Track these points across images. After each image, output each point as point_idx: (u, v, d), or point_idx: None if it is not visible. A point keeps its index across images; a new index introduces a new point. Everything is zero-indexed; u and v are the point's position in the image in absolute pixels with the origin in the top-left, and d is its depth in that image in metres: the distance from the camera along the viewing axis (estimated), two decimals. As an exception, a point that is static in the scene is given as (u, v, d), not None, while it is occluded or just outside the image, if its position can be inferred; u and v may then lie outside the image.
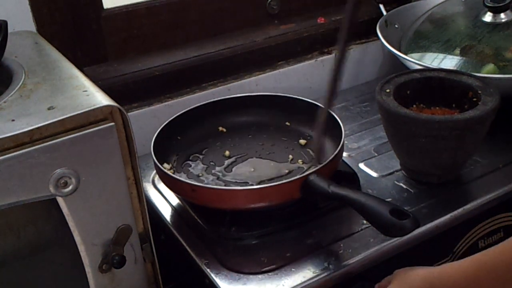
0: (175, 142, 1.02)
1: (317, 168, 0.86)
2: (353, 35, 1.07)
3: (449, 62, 1.12)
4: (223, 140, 1.05)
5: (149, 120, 1.13)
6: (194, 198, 0.88)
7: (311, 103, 1.04)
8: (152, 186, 1.01)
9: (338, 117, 0.91)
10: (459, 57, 1.12)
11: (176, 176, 0.91)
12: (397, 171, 0.99)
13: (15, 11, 0.97)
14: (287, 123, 1.08)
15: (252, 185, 0.93)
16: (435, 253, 0.90)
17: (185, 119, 1.03)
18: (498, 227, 0.95)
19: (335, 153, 0.89)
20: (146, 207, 0.75)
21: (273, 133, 1.06)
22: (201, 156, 1.02)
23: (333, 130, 0.95)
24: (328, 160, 0.88)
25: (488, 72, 1.07)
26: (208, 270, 0.82)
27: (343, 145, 0.92)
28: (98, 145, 0.66)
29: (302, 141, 1.03)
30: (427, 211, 0.89)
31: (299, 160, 0.99)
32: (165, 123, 1.00)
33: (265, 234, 0.87)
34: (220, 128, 1.07)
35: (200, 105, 1.06)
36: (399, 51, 1.15)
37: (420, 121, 0.87)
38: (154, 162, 0.91)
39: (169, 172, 0.90)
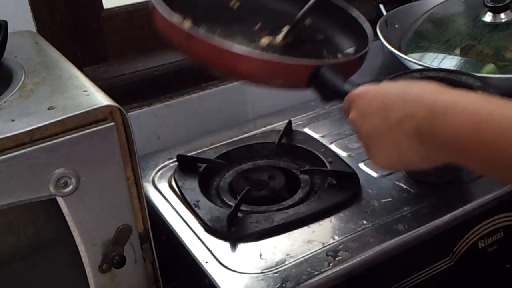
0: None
1: (336, 61, 0.78)
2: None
3: (449, 62, 1.12)
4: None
5: (149, 120, 1.13)
6: (189, 51, 0.78)
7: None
8: (152, 186, 1.01)
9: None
10: (459, 57, 1.12)
11: (174, 19, 0.77)
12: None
13: (15, 11, 0.97)
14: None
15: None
16: (435, 253, 0.90)
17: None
18: (498, 227, 0.94)
19: (358, 55, 0.81)
20: (146, 207, 0.75)
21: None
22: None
23: (361, 39, 0.87)
24: (348, 59, 0.80)
25: (488, 72, 1.07)
26: (208, 270, 0.82)
27: (366, 52, 0.83)
28: (98, 145, 0.66)
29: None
30: (427, 211, 0.89)
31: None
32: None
33: (265, 234, 0.87)
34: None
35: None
36: (399, 51, 1.15)
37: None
38: (158, 4, 0.78)
39: (169, 14, 0.77)
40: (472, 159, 0.58)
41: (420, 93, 0.62)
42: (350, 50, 0.89)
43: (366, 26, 0.88)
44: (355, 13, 0.91)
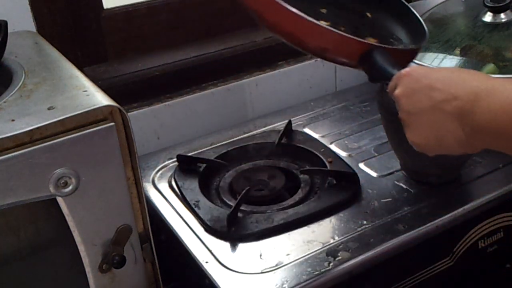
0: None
1: (390, 47, 0.81)
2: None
3: (449, 62, 1.12)
4: None
5: (149, 120, 1.13)
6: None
7: None
8: (152, 186, 1.01)
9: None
10: (459, 57, 1.12)
11: None
12: (397, 171, 0.99)
13: (15, 11, 0.97)
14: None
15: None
16: (435, 253, 0.90)
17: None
18: (498, 227, 0.94)
19: (414, 46, 0.85)
20: (146, 207, 0.75)
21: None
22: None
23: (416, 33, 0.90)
24: (403, 48, 0.83)
25: (488, 72, 1.07)
26: (208, 270, 0.82)
27: (420, 47, 0.86)
28: (98, 145, 0.66)
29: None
30: (427, 211, 0.89)
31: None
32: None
33: (265, 234, 0.87)
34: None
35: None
36: (399, 51, 1.15)
37: (420, 121, 0.87)
38: None
39: None
40: (507, 143, 0.60)
41: (467, 77, 0.65)
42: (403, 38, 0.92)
43: (424, 24, 0.91)
44: (415, 13, 0.94)
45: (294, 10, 0.78)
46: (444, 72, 0.68)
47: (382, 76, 0.77)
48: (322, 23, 0.82)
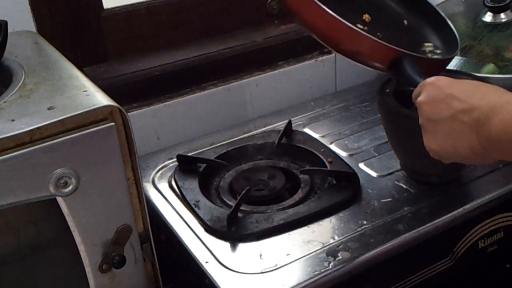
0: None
1: (421, 56, 0.85)
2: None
3: (449, 62, 1.12)
4: None
5: (149, 120, 1.13)
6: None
7: None
8: (152, 186, 1.01)
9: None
10: (459, 57, 1.12)
11: None
12: (397, 171, 0.99)
13: (15, 11, 0.97)
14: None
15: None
16: (435, 253, 0.90)
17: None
18: (498, 227, 0.95)
19: (442, 57, 0.88)
20: (146, 207, 0.75)
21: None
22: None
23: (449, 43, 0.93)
24: (434, 58, 0.86)
25: (488, 72, 1.07)
26: (208, 270, 0.82)
27: (451, 58, 0.90)
28: (98, 145, 0.66)
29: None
30: (427, 211, 0.89)
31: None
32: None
33: (265, 234, 0.87)
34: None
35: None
36: (399, 51, 1.15)
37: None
38: None
39: None
40: None
41: (486, 91, 0.68)
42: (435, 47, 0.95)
43: (458, 36, 0.94)
44: (449, 22, 0.97)
45: (331, 12, 0.81)
46: (466, 85, 0.70)
47: (409, 82, 0.80)
48: (359, 27, 0.85)
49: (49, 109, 0.66)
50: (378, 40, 0.83)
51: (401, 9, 1.00)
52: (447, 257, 0.91)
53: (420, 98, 0.73)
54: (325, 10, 0.81)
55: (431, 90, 0.72)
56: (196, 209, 0.92)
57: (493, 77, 1.01)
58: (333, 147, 1.08)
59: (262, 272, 0.80)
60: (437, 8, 0.99)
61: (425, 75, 0.78)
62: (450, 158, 0.71)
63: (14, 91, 0.71)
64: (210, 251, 0.85)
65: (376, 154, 1.05)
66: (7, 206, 0.63)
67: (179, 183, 0.99)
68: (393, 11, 1.00)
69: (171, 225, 0.91)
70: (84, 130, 0.65)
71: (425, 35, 0.98)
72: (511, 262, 1.00)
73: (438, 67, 0.90)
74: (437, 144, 0.71)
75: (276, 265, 0.81)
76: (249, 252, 0.84)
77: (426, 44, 0.95)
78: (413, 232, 0.85)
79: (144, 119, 1.12)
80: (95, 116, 0.66)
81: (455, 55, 0.91)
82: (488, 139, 0.64)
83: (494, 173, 0.97)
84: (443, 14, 0.97)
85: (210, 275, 0.81)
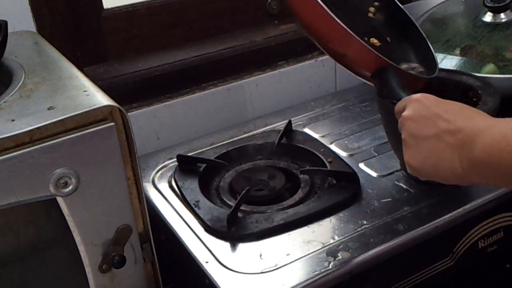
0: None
1: (406, 70, 0.86)
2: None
3: (449, 62, 1.12)
4: None
5: (149, 120, 1.13)
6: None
7: None
8: (152, 186, 1.01)
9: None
10: (459, 57, 1.12)
11: None
12: (397, 171, 0.99)
13: (15, 11, 0.97)
14: None
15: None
16: (435, 253, 0.90)
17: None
18: (498, 227, 0.95)
19: (423, 75, 0.89)
20: (146, 207, 0.75)
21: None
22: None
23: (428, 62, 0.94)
24: (417, 75, 0.87)
25: (488, 72, 1.07)
26: (208, 270, 0.82)
27: (432, 78, 0.91)
28: (98, 145, 0.66)
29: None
30: (427, 211, 0.89)
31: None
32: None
33: (265, 234, 0.87)
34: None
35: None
36: (399, 51, 1.15)
37: (420, 121, 0.87)
38: None
39: None
40: (500, 177, 0.62)
41: (473, 114, 0.68)
42: (416, 66, 0.96)
43: (437, 59, 0.95)
44: (432, 48, 0.97)
45: (329, 11, 0.81)
46: (453, 106, 0.70)
47: (391, 94, 0.81)
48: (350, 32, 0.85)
49: (49, 109, 0.66)
50: (368, 46, 0.83)
51: (387, 28, 1.00)
52: (447, 257, 0.91)
53: (405, 113, 0.72)
54: (324, 9, 0.81)
55: (417, 107, 0.71)
56: (196, 209, 0.92)
57: (493, 77, 1.01)
58: (333, 147, 1.08)
59: (262, 272, 0.80)
60: (419, 28, 0.99)
61: (407, 90, 0.79)
62: (429, 176, 0.71)
63: (14, 91, 0.71)
64: (210, 251, 0.85)
65: (376, 154, 1.05)
66: (7, 206, 0.63)
67: (179, 183, 0.99)
68: (380, 29, 0.99)
69: (171, 225, 0.91)
70: (84, 130, 0.65)
71: (407, 54, 0.98)
72: (511, 262, 1.00)
73: (419, 85, 0.90)
74: (417, 161, 0.70)
75: (276, 265, 0.81)
76: (249, 252, 0.84)
77: (406, 62, 0.96)
78: (413, 232, 0.85)
79: (144, 119, 1.12)
80: (95, 116, 0.66)
81: (435, 75, 0.91)
82: (471, 162, 0.64)
83: (494, 173, 0.97)
84: (426, 38, 0.98)
85: (210, 275, 0.81)
